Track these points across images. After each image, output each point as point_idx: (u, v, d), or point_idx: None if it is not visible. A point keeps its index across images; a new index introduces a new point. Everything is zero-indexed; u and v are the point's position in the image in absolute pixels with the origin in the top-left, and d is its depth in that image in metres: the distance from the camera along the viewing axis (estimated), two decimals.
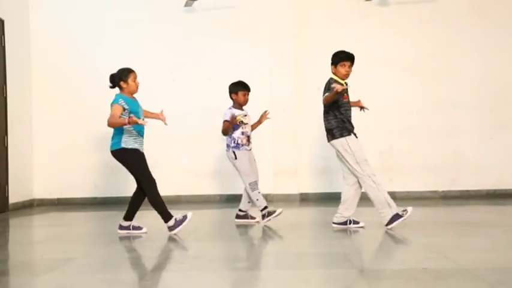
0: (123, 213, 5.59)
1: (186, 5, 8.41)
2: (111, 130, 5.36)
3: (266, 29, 8.41)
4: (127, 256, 4.61)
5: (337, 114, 5.34)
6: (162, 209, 5.34)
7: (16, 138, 8.09)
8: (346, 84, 5.41)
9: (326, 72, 8.36)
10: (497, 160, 8.35)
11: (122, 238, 5.32)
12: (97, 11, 8.66)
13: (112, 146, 5.36)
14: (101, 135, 8.50)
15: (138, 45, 8.59)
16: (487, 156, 8.36)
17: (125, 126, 5.21)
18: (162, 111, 5.56)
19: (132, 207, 5.46)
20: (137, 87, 5.39)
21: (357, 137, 5.39)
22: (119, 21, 8.61)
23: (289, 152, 8.38)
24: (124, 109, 5.21)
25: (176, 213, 5.48)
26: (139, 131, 5.34)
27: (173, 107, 8.38)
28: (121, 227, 5.46)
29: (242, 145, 5.89)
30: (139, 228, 5.48)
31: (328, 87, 5.33)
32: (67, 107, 8.62)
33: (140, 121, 5.05)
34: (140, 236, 5.36)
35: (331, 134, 5.40)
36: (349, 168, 5.37)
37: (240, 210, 6.06)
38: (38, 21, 8.61)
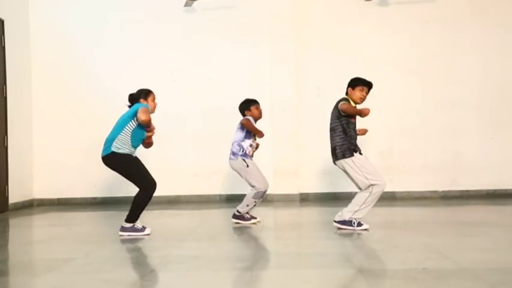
0: (122, 213, 5.59)
1: (186, 5, 8.41)
2: (110, 130, 5.35)
3: (266, 29, 8.41)
4: (127, 256, 4.61)
5: (343, 132, 5.35)
6: (137, 211, 5.29)
7: (16, 138, 8.09)
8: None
9: (326, 72, 8.44)
10: (497, 160, 8.35)
11: (122, 238, 5.32)
12: (97, 11, 8.66)
13: (102, 152, 5.33)
14: (100, 135, 8.49)
15: (138, 45, 8.59)
16: (487, 156, 8.36)
17: (120, 137, 5.21)
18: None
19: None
20: (155, 108, 5.44)
21: (361, 154, 5.36)
22: (119, 21, 8.61)
23: (289, 152, 8.38)
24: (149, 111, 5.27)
25: (176, 213, 5.48)
26: (134, 144, 5.32)
27: (173, 107, 8.41)
28: (123, 229, 5.40)
29: (249, 156, 5.90)
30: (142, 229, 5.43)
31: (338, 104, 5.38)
32: (67, 107, 8.62)
33: (150, 133, 5.21)
34: (140, 236, 5.35)
35: (335, 154, 5.42)
36: (358, 185, 5.33)
37: (237, 211, 6.07)
38: (37, 21, 8.61)
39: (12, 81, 8.00)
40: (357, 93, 5.43)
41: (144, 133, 5.36)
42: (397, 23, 8.47)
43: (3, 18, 7.85)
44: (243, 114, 5.99)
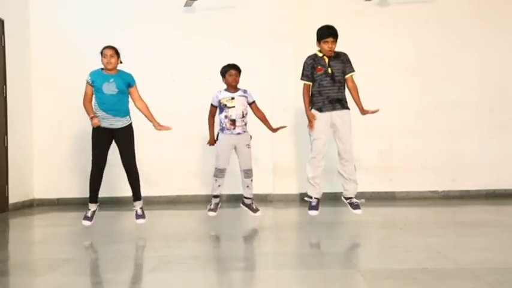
0: (122, 213, 5.60)
1: (186, 5, 8.41)
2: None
3: (266, 29, 8.40)
4: (127, 256, 4.61)
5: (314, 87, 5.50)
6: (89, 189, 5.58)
7: (16, 138, 8.08)
8: (330, 66, 5.45)
9: None
10: (497, 160, 8.35)
11: (122, 238, 5.32)
12: (97, 11, 8.65)
13: None
14: None
15: (138, 45, 8.58)
16: (487, 156, 8.36)
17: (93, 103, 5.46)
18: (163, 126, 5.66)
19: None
20: (108, 64, 5.46)
21: (321, 111, 5.46)
22: (119, 21, 8.60)
23: (289, 152, 8.38)
24: (88, 82, 5.49)
25: (176, 214, 5.49)
26: (99, 105, 5.46)
27: (173, 107, 8.40)
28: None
29: (226, 129, 5.87)
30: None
31: (307, 64, 5.52)
32: (67, 107, 8.61)
33: (93, 121, 5.43)
34: (140, 236, 5.36)
35: (342, 104, 5.56)
36: (348, 146, 5.58)
37: (244, 197, 6.07)
38: (38, 21, 8.61)
39: (12, 81, 8.00)
40: (323, 46, 5.47)
41: (104, 97, 5.45)
42: (397, 23, 8.46)
43: (3, 18, 7.84)
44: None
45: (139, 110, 5.64)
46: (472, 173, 8.37)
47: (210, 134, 6.01)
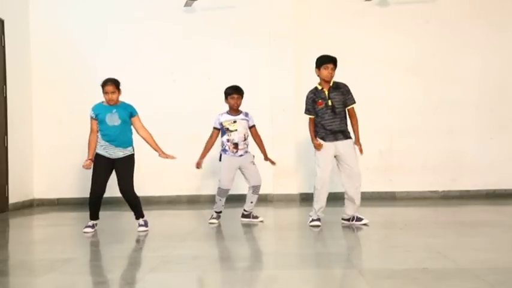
0: (122, 214, 5.61)
1: (186, 5, 8.41)
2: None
3: (266, 29, 8.40)
4: (127, 256, 4.61)
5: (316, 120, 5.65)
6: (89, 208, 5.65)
7: (16, 138, 8.08)
8: (330, 98, 5.54)
9: None
10: (497, 160, 8.35)
11: (122, 238, 5.32)
12: (97, 10, 8.65)
13: None
14: None
15: (138, 45, 8.59)
16: (487, 156, 8.36)
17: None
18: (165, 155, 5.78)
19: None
20: (110, 100, 5.53)
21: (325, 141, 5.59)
22: (119, 21, 8.61)
23: (289, 152, 8.37)
24: (92, 117, 5.64)
25: (175, 214, 5.48)
26: (103, 137, 5.60)
27: (173, 107, 8.41)
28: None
29: (229, 151, 5.92)
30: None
31: (308, 98, 5.69)
32: (67, 107, 8.61)
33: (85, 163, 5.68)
34: (139, 237, 5.36)
35: (345, 134, 5.67)
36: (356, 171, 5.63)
37: (244, 210, 6.11)
38: (38, 21, 8.61)
39: (13, 81, 8.00)
40: (323, 72, 5.58)
41: (107, 128, 5.55)
42: (397, 23, 8.46)
43: (3, 18, 7.84)
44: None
45: (144, 139, 5.71)
46: (472, 173, 8.37)
47: (201, 155, 5.99)
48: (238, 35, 8.49)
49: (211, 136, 6.04)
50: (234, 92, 5.97)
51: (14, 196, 7.96)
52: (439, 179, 8.39)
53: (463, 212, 7.03)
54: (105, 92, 5.50)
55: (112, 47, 8.60)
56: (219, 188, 5.92)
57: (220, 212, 6.06)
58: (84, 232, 5.52)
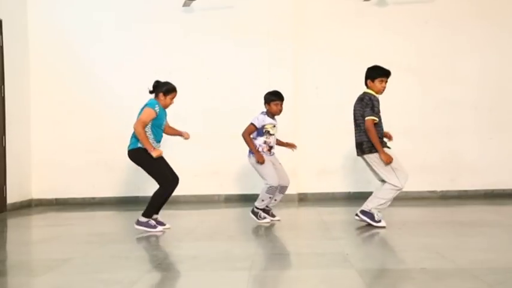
0: (121, 214, 5.60)
1: (184, 4, 8.40)
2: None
3: (265, 28, 8.40)
4: (125, 256, 4.61)
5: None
6: (153, 206, 5.44)
7: (14, 138, 8.07)
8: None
9: (325, 72, 8.43)
10: (496, 160, 8.36)
11: (120, 238, 5.32)
12: (95, 11, 8.65)
13: (129, 146, 5.50)
14: (99, 135, 8.49)
15: (136, 45, 8.59)
16: (486, 156, 8.36)
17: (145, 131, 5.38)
18: (186, 133, 5.81)
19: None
20: (169, 105, 5.59)
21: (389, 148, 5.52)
22: (117, 21, 8.60)
23: (287, 152, 8.35)
24: (156, 114, 5.41)
25: (174, 214, 5.48)
26: (156, 137, 5.51)
27: (171, 107, 8.37)
28: (139, 223, 5.49)
29: (263, 153, 5.95)
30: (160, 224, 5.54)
31: (368, 103, 5.37)
32: (65, 107, 8.61)
33: (156, 153, 5.29)
34: (139, 236, 5.36)
35: (361, 149, 5.48)
36: (381, 176, 5.48)
37: (255, 206, 6.11)
38: (36, 21, 8.60)
39: (11, 81, 7.99)
40: (377, 85, 5.43)
41: (159, 130, 5.52)
42: (396, 23, 8.47)
43: (1, 18, 7.83)
44: (264, 103, 6.03)
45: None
46: (470, 173, 8.37)
47: (254, 150, 5.93)
48: (237, 34, 8.48)
49: (249, 131, 5.96)
50: (279, 99, 5.99)
51: (12, 196, 7.95)
52: (437, 179, 8.39)
53: (462, 212, 7.03)
54: (171, 98, 5.56)
55: (110, 47, 8.60)
56: (270, 186, 5.86)
57: (270, 208, 6.07)
58: (160, 230, 5.44)
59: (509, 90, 8.44)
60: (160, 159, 5.47)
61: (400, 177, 5.38)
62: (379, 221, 5.42)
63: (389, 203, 5.49)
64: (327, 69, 8.42)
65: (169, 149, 8.63)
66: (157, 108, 5.44)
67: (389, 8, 8.50)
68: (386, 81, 5.45)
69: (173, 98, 5.57)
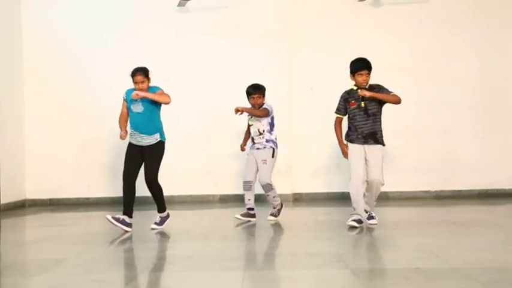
0: (115, 213, 5.60)
1: (179, 4, 8.39)
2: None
3: (260, 29, 8.40)
4: (119, 257, 4.60)
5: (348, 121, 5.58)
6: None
7: (8, 138, 8.04)
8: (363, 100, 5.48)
9: (319, 72, 8.44)
10: (490, 160, 8.38)
11: (115, 239, 5.30)
12: (89, 10, 8.61)
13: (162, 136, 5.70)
14: (93, 135, 8.46)
15: (131, 45, 8.56)
16: (480, 156, 8.39)
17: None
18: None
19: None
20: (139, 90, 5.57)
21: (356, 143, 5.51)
22: (112, 21, 8.58)
23: (282, 152, 8.32)
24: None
25: (171, 214, 5.49)
26: (132, 125, 5.59)
27: (166, 107, 8.35)
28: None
29: (251, 144, 6.18)
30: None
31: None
32: (59, 107, 8.58)
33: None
34: (134, 236, 5.34)
35: (375, 138, 5.57)
36: (377, 176, 5.47)
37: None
38: (30, 21, 8.56)
39: (4, 80, 7.96)
40: (357, 78, 5.53)
41: (133, 116, 5.59)
42: (391, 23, 8.48)
43: None
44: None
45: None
46: (465, 173, 8.40)
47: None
48: (232, 34, 8.47)
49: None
50: (249, 93, 6.12)
51: (6, 196, 7.91)
52: (431, 179, 8.41)
53: (456, 212, 7.06)
54: (134, 82, 5.52)
55: (104, 47, 8.57)
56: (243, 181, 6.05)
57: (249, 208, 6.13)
58: (107, 218, 5.49)
59: (504, 90, 8.47)
60: (129, 157, 5.56)
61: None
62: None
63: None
64: (321, 69, 8.42)
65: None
66: (124, 96, 5.68)
67: (384, 8, 8.51)
68: (366, 74, 5.51)
69: (136, 82, 5.53)
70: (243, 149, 6.34)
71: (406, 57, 8.45)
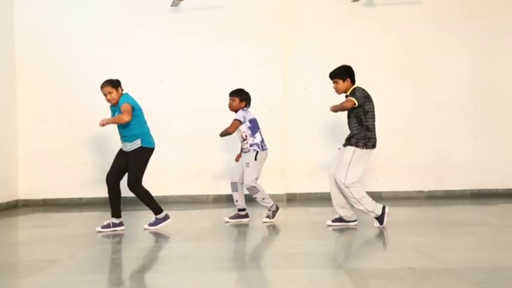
0: (109, 214, 5.60)
1: (173, 4, 8.37)
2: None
3: (253, 29, 8.40)
4: (112, 257, 4.59)
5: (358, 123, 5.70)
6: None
7: (0, 138, 8.00)
8: None
9: (313, 72, 8.44)
10: (482, 160, 8.42)
11: (107, 239, 5.29)
12: (83, 11, 8.59)
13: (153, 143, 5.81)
14: (86, 135, 8.44)
15: (125, 46, 8.54)
16: (472, 157, 8.42)
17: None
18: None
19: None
20: (107, 101, 5.61)
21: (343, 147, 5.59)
22: (105, 22, 8.55)
23: (276, 153, 8.34)
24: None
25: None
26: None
27: (160, 107, 8.36)
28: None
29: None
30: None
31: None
32: (52, 107, 8.55)
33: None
34: (127, 237, 5.33)
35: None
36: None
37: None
38: (22, 20, 8.52)
39: None
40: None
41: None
42: (384, 23, 8.50)
43: None
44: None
45: None
46: (457, 173, 8.43)
47: None
48: (225, 35, 8.47)
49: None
50: (230, 93, 6.23)
51: None
52: (425, 179, 8.44)
53: (449, 211, 7.08)
54: (103, 94, 5.55)
55: (98, 47, 8.54)
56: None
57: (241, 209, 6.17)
58: (98, 231, 5.54)
59: (495, 90, 8.51)
60: (115, 159, 5.70)
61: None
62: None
63: None
64: (315, 69, 8.42)
65: (157, 149, 8.62)
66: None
67: (377, 9, 8.53)
68: (334, 82, 5.82)
69: (104, 94, 5.56)
70: (237, 160, 6.35)
71: (399, 58, 8.48)
